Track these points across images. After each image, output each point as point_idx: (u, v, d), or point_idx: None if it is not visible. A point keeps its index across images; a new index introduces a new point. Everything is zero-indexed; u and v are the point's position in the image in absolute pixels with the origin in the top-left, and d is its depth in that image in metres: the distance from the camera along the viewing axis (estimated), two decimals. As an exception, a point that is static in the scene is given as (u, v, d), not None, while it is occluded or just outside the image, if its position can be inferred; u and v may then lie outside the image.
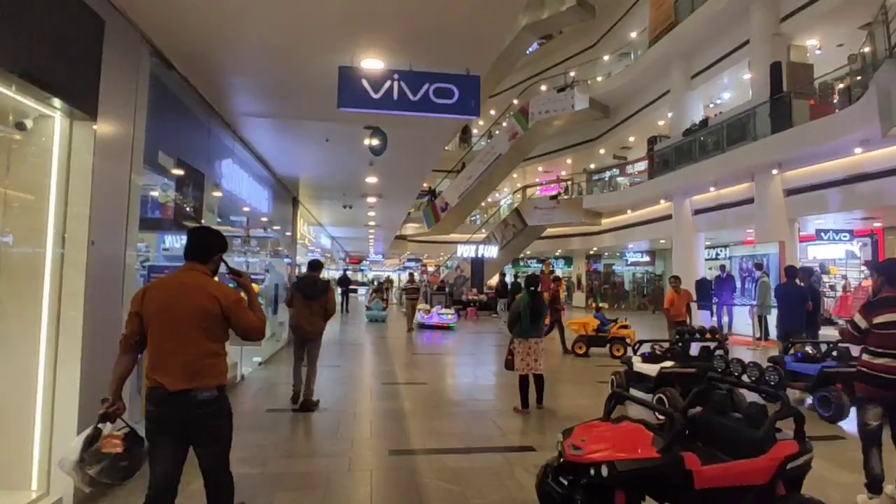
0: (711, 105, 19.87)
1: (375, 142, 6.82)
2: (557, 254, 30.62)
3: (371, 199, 12.92)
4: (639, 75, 21.04)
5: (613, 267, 30.67)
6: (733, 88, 18.72)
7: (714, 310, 15.92)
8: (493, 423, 6.10)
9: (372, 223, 17.86)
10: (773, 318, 13.38)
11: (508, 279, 26.50)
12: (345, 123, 6.93)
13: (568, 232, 26.58)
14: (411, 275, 20.26)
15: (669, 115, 20.58)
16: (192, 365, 2.69)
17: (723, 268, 15.71)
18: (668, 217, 19.83)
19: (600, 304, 15.32)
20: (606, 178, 25.54)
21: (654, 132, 22.43)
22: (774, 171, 14.29)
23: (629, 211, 22.16)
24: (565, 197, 24.52)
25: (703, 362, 6.67)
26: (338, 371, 9.11)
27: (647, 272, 28.56)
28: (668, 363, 6.42)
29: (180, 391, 2.65)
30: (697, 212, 18.29)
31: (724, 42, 16.95)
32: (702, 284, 16.13)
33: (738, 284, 15.52)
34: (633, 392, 6.46)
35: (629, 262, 27.52)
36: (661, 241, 22.51)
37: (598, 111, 23.12)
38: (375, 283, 28.59)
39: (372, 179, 10.42)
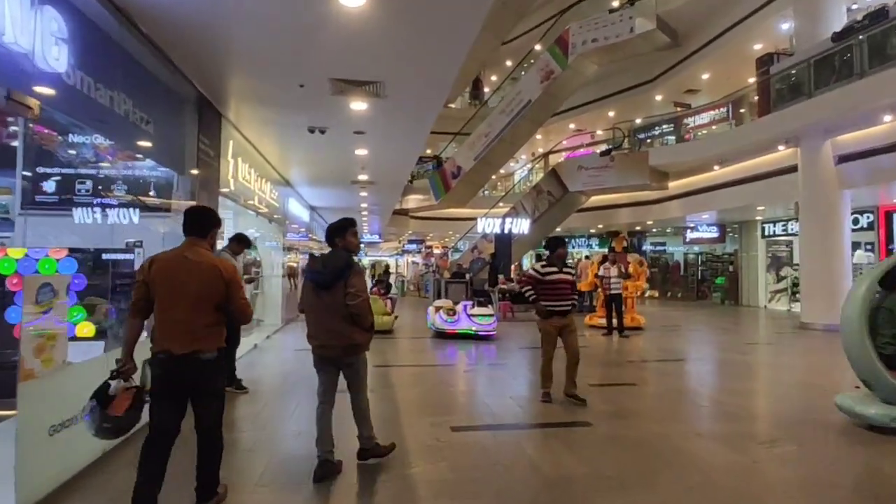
0: (855, 6, 13.34)
1: None
2: (593, 231, 24.16)
3: (358, 106, 6.39)
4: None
5: (646, 247, 24.32)
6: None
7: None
8: None
9: (364, 178, 11.29)
10: None
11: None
12: None
13: (616, 201, 20.09)
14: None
15: (785, 26, 14.14)
16: (197, 332, 2.82)
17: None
18: (782, 172, 13.50)
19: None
20: (658, 134, 19.13)
21: (743, 63, 15.97)
22: None
23: (716, 167, 15.70)
24: (625, 150, 17.93)
25: None
26: None
27: (703, 253, 22.22)
28: None
29: (186, 354, 2.80)
30: (844, 158, 11.90)
31: None
32: None
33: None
34: None
35: (688, 240, 21.09)
36: (759, 208, 16.13)
37: (666, 36, 16.46)
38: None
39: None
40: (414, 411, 5.35)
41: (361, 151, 8.82)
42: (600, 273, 10.49)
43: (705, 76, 17.85)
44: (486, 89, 29.93)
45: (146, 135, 4.94)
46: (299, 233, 15.52)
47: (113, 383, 2.77)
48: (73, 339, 4.86)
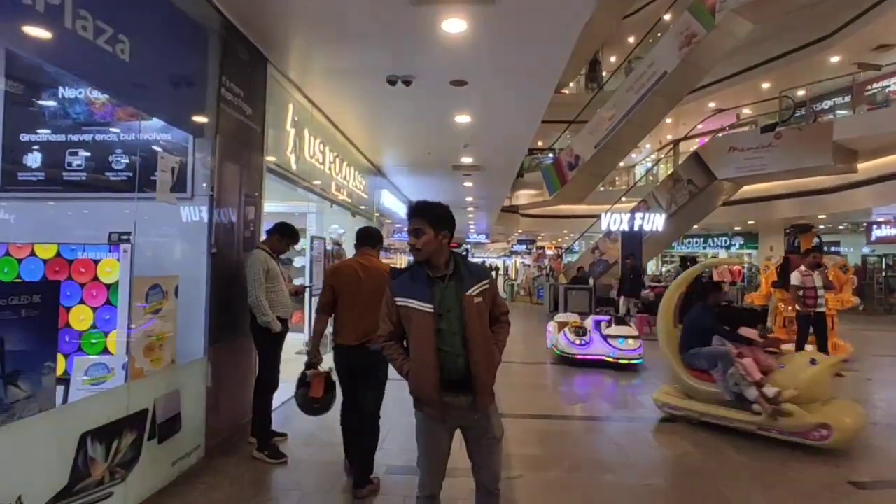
0: None
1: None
2: (739, 228, 20.08)
3: (454, 27, 4.15)
4: None
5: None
6: None
7: None
8: None
9: (468, 161, 9.08)
10: None
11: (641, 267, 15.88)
12: None
13: (772, 190, 16.14)
14: None
15: None
16: (369, 326, 3.06)
17: None
18: None
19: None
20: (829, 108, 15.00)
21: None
22: None
23: (938, 138, 11.57)
24: (797, 126, 14.07)
25: None
26: None
27: (890, 255, 17.41)
28: None
29: (357, 345, 3.30)
30: None
31: None
32: None
33: None
34: None
35: (874, 239, 16.52)
36: None
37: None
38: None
39: None
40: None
41: (463, 118, 6.58)
42: (796, 283, 7.30)
43: (910, 23, 13.49)
44: (605, 73, 26.58)
45: (115, 60, 3.03)
46: (402, 232, 13.66)
47: (309, 372, 3.49)
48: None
